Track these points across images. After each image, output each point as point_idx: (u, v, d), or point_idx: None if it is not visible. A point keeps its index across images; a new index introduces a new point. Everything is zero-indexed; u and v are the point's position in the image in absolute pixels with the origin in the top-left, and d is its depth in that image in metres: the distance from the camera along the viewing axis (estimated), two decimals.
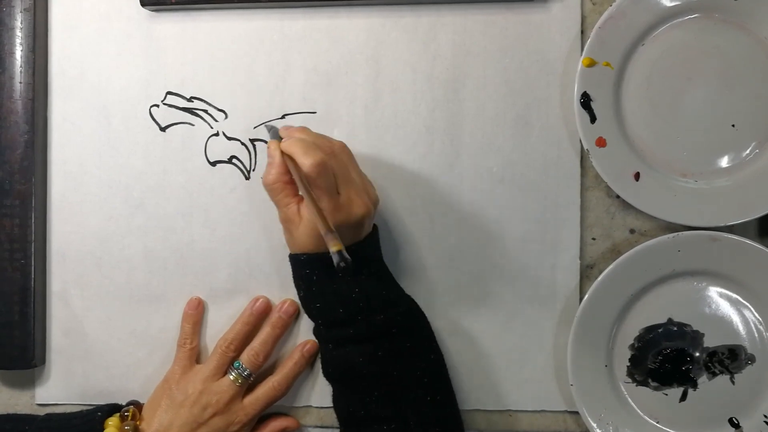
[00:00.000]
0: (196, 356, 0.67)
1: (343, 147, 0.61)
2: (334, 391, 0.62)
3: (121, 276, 0.69)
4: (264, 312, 0.67)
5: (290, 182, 0.59)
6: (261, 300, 0.67)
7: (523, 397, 0.67)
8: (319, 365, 0.67)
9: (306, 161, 0.56)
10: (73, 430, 0.63)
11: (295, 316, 0.67)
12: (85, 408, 0.67)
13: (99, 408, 0.65)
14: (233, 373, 0.64)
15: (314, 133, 0.62)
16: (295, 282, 0.62)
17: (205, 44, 0.68)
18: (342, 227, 0.57)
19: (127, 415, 0.64)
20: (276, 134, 0.63)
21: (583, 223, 0.66)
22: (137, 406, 0.66)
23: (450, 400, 0.62)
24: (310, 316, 0.62)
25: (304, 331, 0.68)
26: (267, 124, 0.67)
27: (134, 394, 0.68)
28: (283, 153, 0.59)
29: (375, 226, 0.63)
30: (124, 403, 0.67)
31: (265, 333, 0.66)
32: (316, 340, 0.64)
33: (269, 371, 0.67)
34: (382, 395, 0.59)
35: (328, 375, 0.62)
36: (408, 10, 0.66)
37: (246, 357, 0.65)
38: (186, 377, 0.65)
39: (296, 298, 0.65)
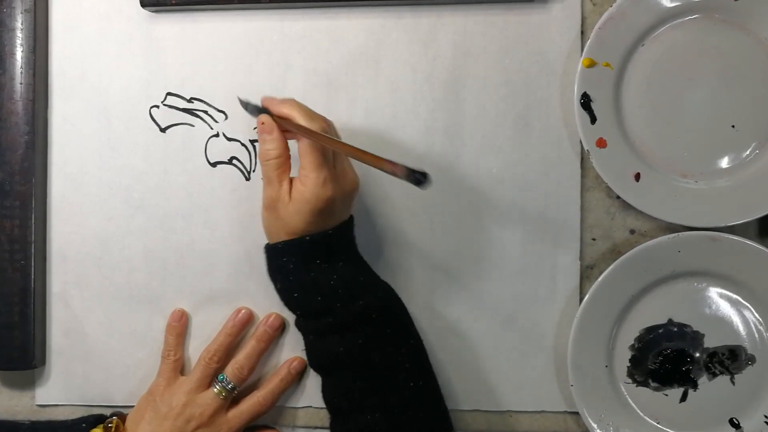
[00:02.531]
0: (180, 368, 0.67)
1: (332, 123, 0.61)
2: (322, 382, 0.62)
3: (121, 277, 0.69)
4: (247, 322, 0.67)
5: (289, 158, 0.59)
6: (244, 311, 0.67)
7: (523, 397, 0.67)
8: None
9: (314, 126, 0.56)
10: None
11: (280, 330, 0.67)
12: (84, 408, 0.67)
13: (84, 419, 0.65)
14: (217, 386, 0.64)
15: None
16: (270, 275, 0.61)
17: (205, 45, 0.68)
18: (336, 200, 0.57)
19: (111, 426, 0.64)
20: (256, 108, 0.61)
21: (583, 224, 0.66)
22: (121, 417, 0.66)
23: (432, 385, 0.61)
24: (289, 308, 0.61)
25: (289, 345, 0.68)
26: (240, 98, 0.63)
27: (134, 394, 0.68)
28: (279, 122, 0.58)
29: (350, 215, 0.62)
30: (121, 404, 0.67)
31: (249, 346, 0.66)
32: (300, 332, 0.62)
33: (254, 384, 0.67)
34: (365, 384, 0.58)
35: (313, 367, 0.62)
36: (408, 11, 0.66)
37: (230, 370, 0.65)
38: (170, 389, 0.65)
39: (282, 312, 0.66)
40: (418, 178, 0.51)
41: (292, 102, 0.59)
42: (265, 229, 0.61)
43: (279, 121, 0.58)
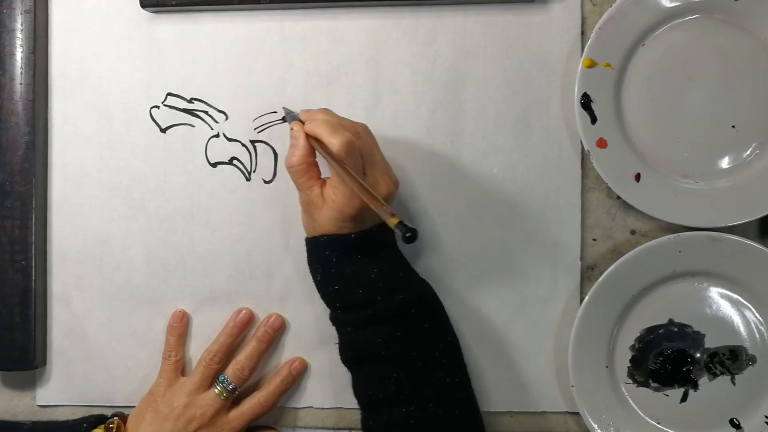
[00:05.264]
0: (181, 368, 0.67)
1: (366, 128, 0.61)
2: (353, 377, 0.61)
3: (121, 277, 0.69)
4: (247, 323, 0.67)
5: (314, 164, 0.59)
6: (244, 312, 0.67)
7: (523, 398, 0.67)
8: (318, 368, 0.67)
9: (335, 141, 0.56)
10: None
11: (280, 331, 0.67)
12: (84, 409, 0.67)
13: (85, 419, 0.66)
14: (218, 387, 0.64)
15: (336, 114, 0.61)
16: (311, 266, 0.62)
17: (206, 45, 0.68)
18: (368, 208, 0.57)
19: (112, 427, 0.64)
20: (295, 117, 0.62)
21: (583, 224, 0.66)
22: (122, 417, 0.66)
23: (467, 383, 0.61)
24: (327, 300, 0.61)
25: (290, 346, 0.68)
26: (284, 107, 0.66)
27: (135, 395, 0.68)
28: (307, 135, 0.59)
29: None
30: (122, 405, 0.67)
31: (250, 347, 0.66)
32: (333, 326, 0.62)
33: (255, 385, 0.67)
34: (401, 377, 0.58)
35: (346, 359, 0.61)
36: (408, 11, 0.66)
37: (231, 371, 0.65)
38: (171, 390, 0.65)
39: (283, 313, 0.67)
40: (407, 234, 0.50)
41: (322, 114, 0.60)
42: (304, 226, 0.62)
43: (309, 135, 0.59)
